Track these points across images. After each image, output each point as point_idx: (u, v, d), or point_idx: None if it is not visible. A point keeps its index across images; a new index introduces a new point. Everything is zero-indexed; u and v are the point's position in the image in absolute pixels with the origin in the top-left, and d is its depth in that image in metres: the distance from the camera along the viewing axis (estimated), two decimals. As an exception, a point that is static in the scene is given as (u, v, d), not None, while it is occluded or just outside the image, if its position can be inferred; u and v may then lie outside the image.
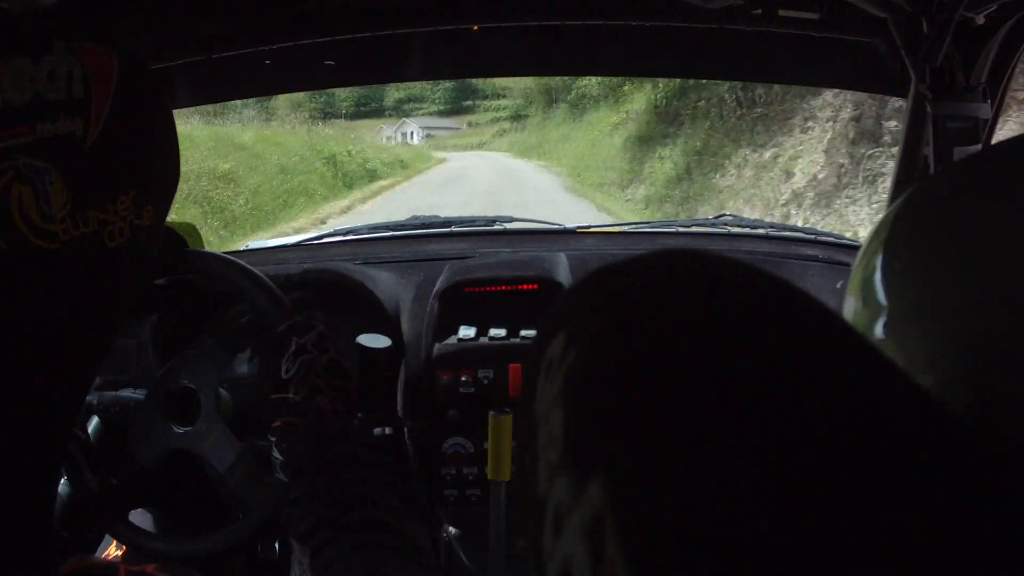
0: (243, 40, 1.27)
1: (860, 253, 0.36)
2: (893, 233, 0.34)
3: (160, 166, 0.47)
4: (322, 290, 1.36)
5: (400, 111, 50.38)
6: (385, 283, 1.38)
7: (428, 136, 47.66)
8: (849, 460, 0.15)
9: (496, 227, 1.68)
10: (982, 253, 0.29)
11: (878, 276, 0.33)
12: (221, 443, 0.96)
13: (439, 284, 1.33)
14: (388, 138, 46.20)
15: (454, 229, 1.67)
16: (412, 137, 47.22)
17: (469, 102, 51.77)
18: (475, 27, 1.31)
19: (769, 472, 0.15)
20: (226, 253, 1.42)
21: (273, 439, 0.74)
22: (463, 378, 1.26)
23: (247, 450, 0.96)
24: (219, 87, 1.57)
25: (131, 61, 0.44)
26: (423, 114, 52.72)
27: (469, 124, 49.10)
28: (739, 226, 1.66)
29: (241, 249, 1.76)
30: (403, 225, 1.74)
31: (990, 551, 0.14)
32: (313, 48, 1.34)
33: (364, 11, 1.25)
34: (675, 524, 0.15)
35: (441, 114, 53.53)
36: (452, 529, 1.29)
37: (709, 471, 0.15)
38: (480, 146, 40.28)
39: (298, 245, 1.67)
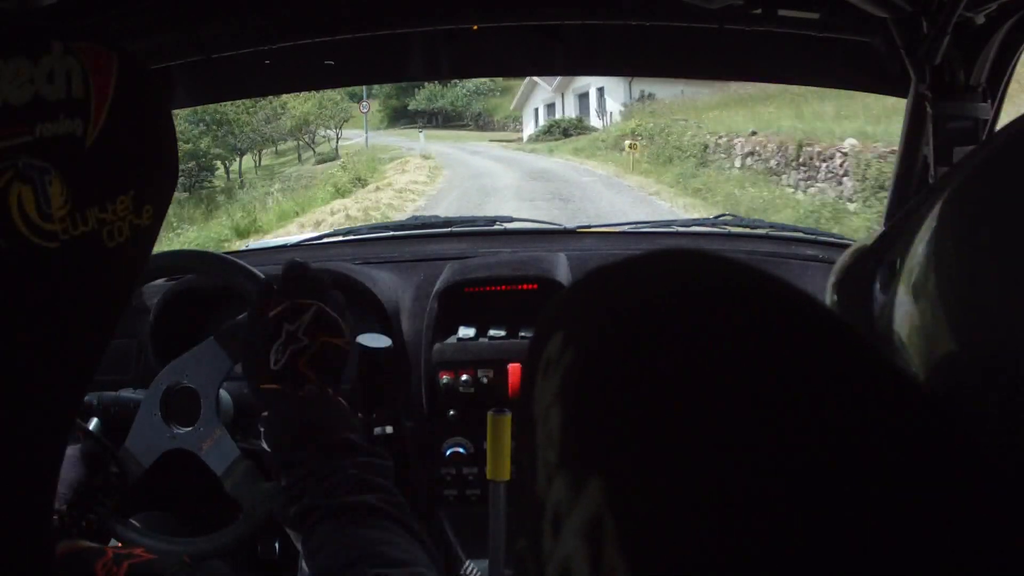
0: (243, 40, 1.27)
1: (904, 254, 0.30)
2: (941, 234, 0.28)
3: (159, 166, 0.47)
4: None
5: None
6: (385, 283, 1.38)
7: (647, 97, 20.28)
8: (846, 463, 0.15)
9: (496, 227, 1.68)
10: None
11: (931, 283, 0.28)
12: (219, 446, 0.97)
13: (439, 284, 1.33)
14: (546, 105, 25.26)
15: (454, 229, 1.67)
16: (596, 110, 22.56)
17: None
18: (475, 27, 1.31)
19: (767, 472, 0.15)
20: (226, 253, 1.42)
21: (262, 429, 0.74)
22: (463, 378, 1.26)
23: (245, 454, 0.97)
24: (219, 87, 1.57)
25: (130, 61, 0.44)
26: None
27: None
28: (739, 226, 1.66)
29: (241, 249, 1.76)
30: (403, 225, 1.74)
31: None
32: (313, 48, 1.34)
33: (364, 11, 1.25)
34: (673, 523, 0.15)
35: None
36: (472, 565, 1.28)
37: (707, 470, 0.15)
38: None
39: (298, 245, 1.67)
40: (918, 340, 0.28)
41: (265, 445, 0.74)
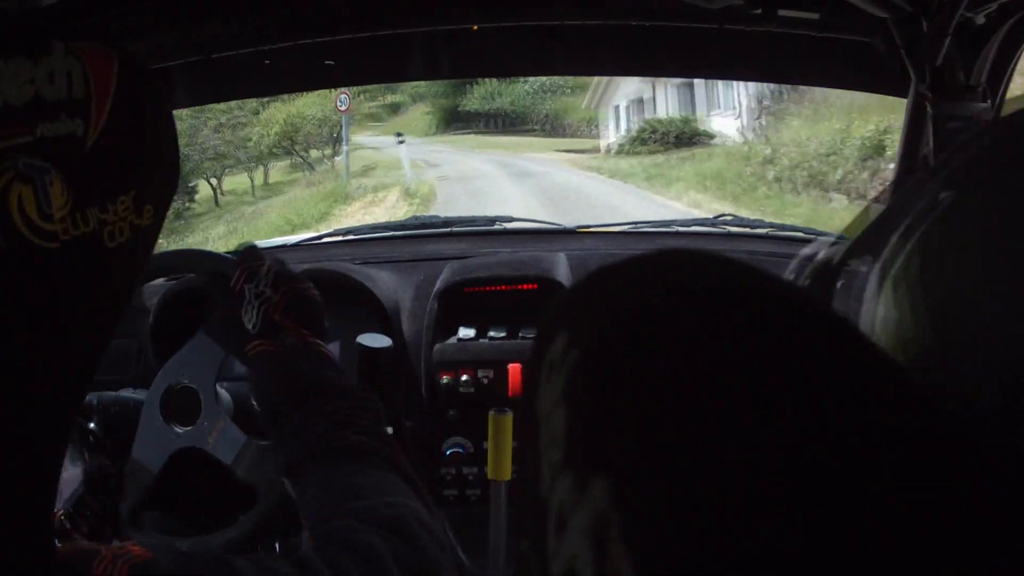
0: (243, 40, 1.27)
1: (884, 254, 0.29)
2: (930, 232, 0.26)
3: (160, 166, 0.47)
4: (322, 290, 1.36)
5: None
6: (385, 283, 1.38)
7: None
8: (847, 463, 0.15)
9: (496, 227, 1.68)
10: None
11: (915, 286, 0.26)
12: (225, 436, 0.96)
13: (439, 284, 1.33)
14: (632, 100, 17.36)
15: (454, 229, 1.67)
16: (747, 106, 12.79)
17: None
18: (475, 27, 1.31)
19: (769, 471, 0.15)
20: (227, 253, 1.42)
21: (251, 389, 0.74)
22: (463, 378, 1.26)
23: (252, 438, 0.96)
24: (219, 87, 1.57)
25: (131, 61, 0.44)
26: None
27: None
28: (739, 226, 1.66)
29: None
30: (403, 225, 1.74)
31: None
32: (313, 48, 1.34)
33: (364, 11, 1.25)
34: (678, 522, 0.15)
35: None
36: None
37: (711, 469, 0.15)
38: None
39: (298, 245, 1.67)
40: (898, 336, 0.27)
41: (255, 403, 0.74)
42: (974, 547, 0.14)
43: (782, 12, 1.12)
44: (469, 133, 21.59)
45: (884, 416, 0.16)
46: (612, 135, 17.67)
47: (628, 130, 16.54)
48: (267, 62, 1.39)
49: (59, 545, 0.50)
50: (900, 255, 0.28)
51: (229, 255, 1.08)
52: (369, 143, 19.18)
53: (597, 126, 19.20)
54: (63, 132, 0.40)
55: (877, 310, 0.28)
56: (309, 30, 1.28)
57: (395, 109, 24.15)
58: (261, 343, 0.75)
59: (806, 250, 0.37)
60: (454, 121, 22.73)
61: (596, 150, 17.62)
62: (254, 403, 0.74)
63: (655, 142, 14.51)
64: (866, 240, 0.33)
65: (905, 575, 0.14)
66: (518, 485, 0.21)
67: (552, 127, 21.04)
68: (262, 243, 1.82)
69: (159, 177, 0.47)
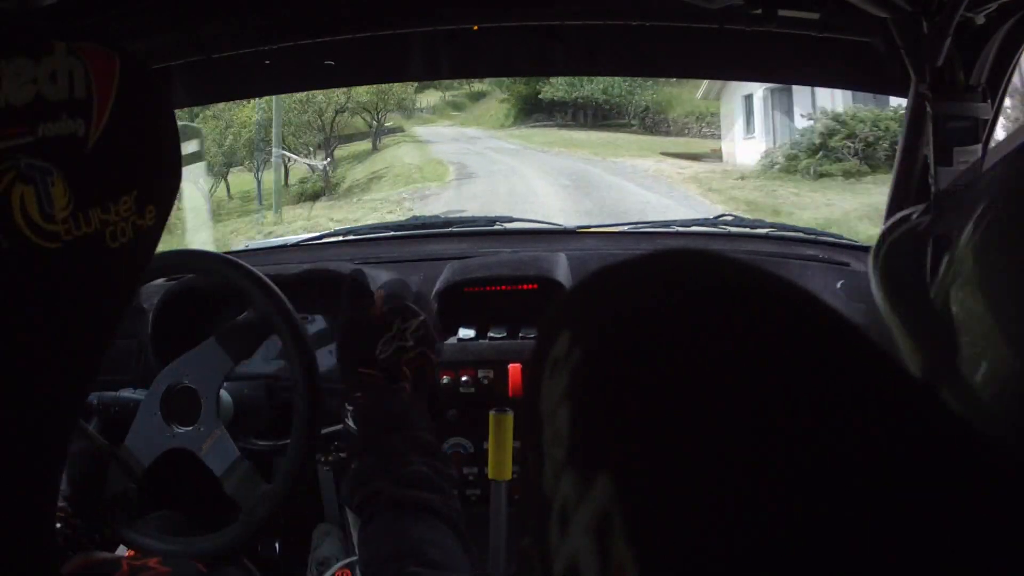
0: (243, 40, 1.27)
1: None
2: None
3: (162, 166, 0.47)
4: (322, 290, 1.36)
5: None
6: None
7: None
8: (848, 462, 0.15)
9: (496, 227, 1.68)
10: None
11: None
12: (219, 446, 0.97)
13: (439, 284, 1.33)
14: (769, 90, 10.49)
15: (454, 229, 1.67)
16: None
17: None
18: (475, 27, 1.31)
19: (771, 468, 0.15)
20: (227, 253, 1.42)
21: (350, 408, 0.78)
22: (463, 378, 1.26)
23: (244, 455, 0.97)
24: (219, 87, 1.57)
25: (132, 61, 0.44)
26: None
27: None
28: (739, 226, 1.66)
29: (240, 249, 1.76)
30: (403, 225, 1.74)
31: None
32: (313, 48, 1.34)
33: (364, 11, 1.25)
34: (683, 518, 0.15)
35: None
36: None
37: (715, 465, 0.15)
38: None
39: (297, 245, 1.67)
40: (974, 323, 0.26)
41: (351, 422, 0.78)
42: (975, 548, 0.14)
43: (782, 12, 1.12)
44: (550, 126, 17.77)
45: (885, 415, 0.16)
46: (748, 139, 12.41)
47: (798, 135, 10.53)
48: (267, 62, 1.39)
49: (76, 556, 0.50)
50: (959, 250, 0.27)
51: (229, 256, 1.08)
52: (425, 135, 16.05)
53: (706, 122, 14.68)
54: (65, 132, 0.40)
55: (954, 295, 0.27)
56: (309, 30, 1.28)
57: (477, 97, 21.16)
58: (380, 376, 0.80)
59: (900, 213, 0.36)
60: (534, 111, 18.62)
61: (716, 156, 13.13)
62: (350, 423, 0.78)
63: (835, 155, 9.02)
64: (934, 219, 0.31)
65: (905, 574, 0.14)
66: (521, 482, 0.21)
67: (652, 122, 16.66)
68: (260, 243, 1.82)
69: (161, 177, 0.47)
